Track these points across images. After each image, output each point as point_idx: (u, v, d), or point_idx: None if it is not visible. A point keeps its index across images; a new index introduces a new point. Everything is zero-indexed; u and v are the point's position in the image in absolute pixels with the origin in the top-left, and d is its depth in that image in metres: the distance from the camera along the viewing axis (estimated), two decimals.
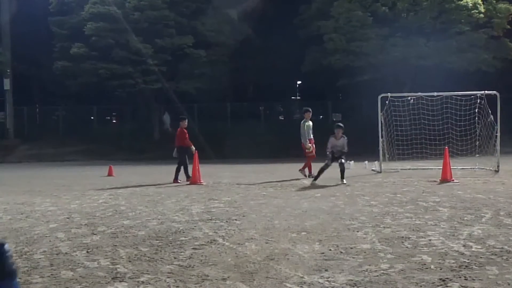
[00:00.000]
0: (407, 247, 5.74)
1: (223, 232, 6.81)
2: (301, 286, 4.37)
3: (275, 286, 4.41)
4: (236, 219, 7.86)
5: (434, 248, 5.66)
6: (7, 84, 37.47)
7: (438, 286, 4.31)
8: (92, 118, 42.66)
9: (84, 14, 33.97)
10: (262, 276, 4.71)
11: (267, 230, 6.90)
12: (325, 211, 8.54)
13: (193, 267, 5.08)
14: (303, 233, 6.65)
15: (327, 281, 4.49)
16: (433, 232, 6.52)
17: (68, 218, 8.37)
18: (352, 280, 4.51)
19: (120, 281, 4.62)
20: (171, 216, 8.26)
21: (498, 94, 17.21)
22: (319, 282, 4.46)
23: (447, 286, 4.30)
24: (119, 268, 5.08)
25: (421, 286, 4.30)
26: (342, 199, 10.08)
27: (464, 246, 5.72)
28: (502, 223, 7.09)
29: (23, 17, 36.91)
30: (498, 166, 16.28)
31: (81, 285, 4.53)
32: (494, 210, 8.26)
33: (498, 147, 16.76)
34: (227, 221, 7.69)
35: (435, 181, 13.47)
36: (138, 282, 4.59)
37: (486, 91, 17.38)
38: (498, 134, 16.72)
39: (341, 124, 15.01)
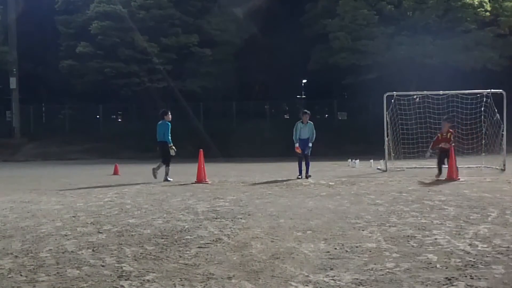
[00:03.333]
0: (412, 246, 5.73)
1: (228, 231, 6.82)
2: (307, 285, 4.37)
3: (281, 285, 4.41)
4: (241, 218, 7.87)
5: (439, 247, 5.65)
6: (13, 83, 37.74)
7: (443, 285, 4.30)
8: (98, 117, 42.79)
9: (90, 13, 34.04)
10: (268, 275, 4.71)
11: (272, 229, 6.90)
12: (330, 210, 8.54)
13: (198, 265, 5.09)
14: (308, 232, 6.65)
15: (333, 280, 4.49)
16: (439, 231, 6.50)
17: (74, 216, 8.39)
18: (357, 279, 4.51)
19: (125, 280, 4.63)
20: (176, 215, 8.27)
21: (504, 93, 17.16)
22: (324, 281, 4.46)
23: (452, 285, 4.29)
24: (124, 266, 5.10)
25: (426, 285, 4.29)
26: (348, 198, 10.07)
27: (470, 245, 5.70)
28: (508, 222, 7.07)
29: (29, 17, 37.05)
30: (504, 165, 16.23)
31: (87, 284, 4.54)
32: (500, 209, 8.24)
33: (504, 146, 16.72)
34: (232, 220, 7.70)
35: (441, 180, 13.44)
36: (143, 280, 4.60)
37: (492, 90, 17.33)
38: (505, 133, 16.68)
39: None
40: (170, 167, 15.17)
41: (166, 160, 14.98)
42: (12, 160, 32.08)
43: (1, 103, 42.34)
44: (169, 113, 15.47)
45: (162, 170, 15.19)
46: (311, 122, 15.38)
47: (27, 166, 26.68)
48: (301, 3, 38.30)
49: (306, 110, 15.66)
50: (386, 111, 17.86)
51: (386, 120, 17.90)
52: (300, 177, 14.97)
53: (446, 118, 14.68)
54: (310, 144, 15.18)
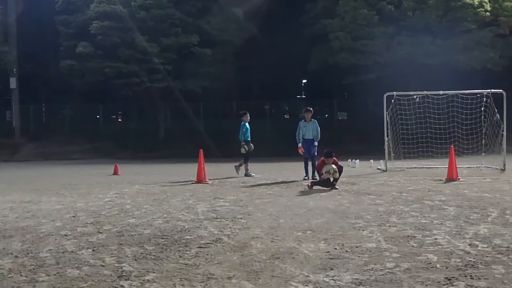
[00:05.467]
0: (412, 246, 5.73)
1: (228, 231, 6.82)
2: (307, 285, 4.37)
3: (280, 284, 4.41)
4: (241, 218, 7.87)
5: (440, 247, 5.65)
6: (13, 83, 37.74)
7: (443, 285, 4.30)
8: (98, 116, 42.75)
9: (90, 13, 33.96)
10: (268, 275, 4.71)
11: (272, 229, 6.90)
12: (330, 209, 8.53)
13: (198, 265, 5.09)
14: (308, 232, 6.64)
15: (333, 280, 4.49)
16: (439, 231, 6.50)
17: (74, 216, 8.39)
18: (357, 279, 4.50)
19: (125, 280, 4.63)
20: (176, 215, 8.27)
21: (504, 93, 17.16)
22: (324, 281, 4.46)
23: (452, 285, 4.28)
24: (124, 266, 5.10)
25: (426, 285, 4.29)
26: (348, 198, 10.06)
27: (470, 245, 5.70)
28: (508, 222, 7.06)
29: (29, 17, 37.02)
30: (504, 165, 16.21)
31: (87, 284, 4.54)
32: (500, 209, 8.23)
33: (504, 146, 16.70)
34: (232, 220, 7.70)
35: (440, 180, 13.43)
36: (143, 280, 4.60)
37: (492, 90, 17.31)
38: (505, 133, 16.66)
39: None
40: (243, 164, 16.02)
41: (245, 157, 15.90)
42: (12, 160, 32.08)
43: (1, 103, 42.25)
44: (247, 114, 16.24)
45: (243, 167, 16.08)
46: (315, 120, 15.03)
47: (27, 166, 26.67)
48: (301, 3, 38.24)
49: (308, 107, 15.39)
50: (386, 111, 17.83)
51: (386, 120, 17.87)
52: (306, 178, 14.35)
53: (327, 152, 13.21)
54: (316, 143, 14.71)
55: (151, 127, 38.81)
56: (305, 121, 14.96)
